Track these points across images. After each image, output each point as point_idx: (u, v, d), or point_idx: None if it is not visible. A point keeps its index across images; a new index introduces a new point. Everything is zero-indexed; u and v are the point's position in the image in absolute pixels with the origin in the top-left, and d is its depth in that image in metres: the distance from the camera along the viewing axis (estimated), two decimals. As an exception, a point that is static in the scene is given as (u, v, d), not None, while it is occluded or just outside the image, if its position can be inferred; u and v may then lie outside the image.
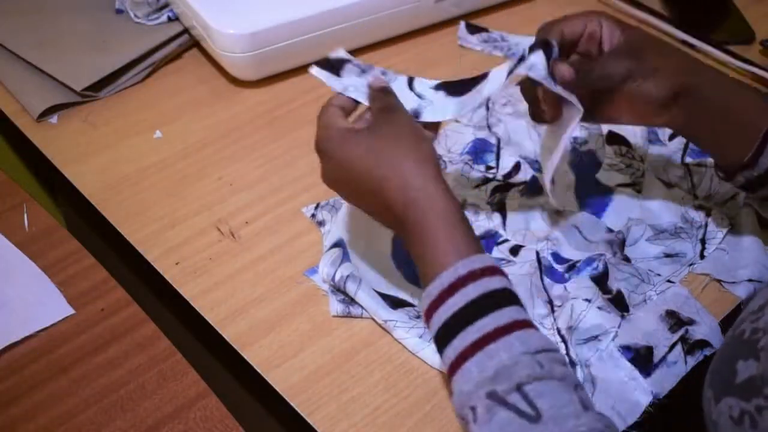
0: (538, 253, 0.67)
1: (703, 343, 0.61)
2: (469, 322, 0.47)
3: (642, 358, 0.59)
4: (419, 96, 0.61)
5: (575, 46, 0.62)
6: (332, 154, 0.55)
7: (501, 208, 0.70)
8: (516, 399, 0.44)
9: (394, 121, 0.56)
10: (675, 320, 0.62)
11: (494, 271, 0.49)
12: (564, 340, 0.60)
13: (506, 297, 0.49)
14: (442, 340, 0.49)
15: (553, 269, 0.66)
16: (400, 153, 0.53)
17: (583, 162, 0.76)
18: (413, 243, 0.52)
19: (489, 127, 0.78)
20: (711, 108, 0.60)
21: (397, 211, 0.52)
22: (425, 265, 0.51)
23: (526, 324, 0.48)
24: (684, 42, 0.93)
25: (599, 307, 0.61)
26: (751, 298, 0.65)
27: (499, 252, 0.67)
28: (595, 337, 0.60)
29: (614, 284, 0.64)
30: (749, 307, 0.50)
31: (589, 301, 0.62)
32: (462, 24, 0.91)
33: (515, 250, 0.67)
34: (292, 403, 0.57)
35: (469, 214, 0.70)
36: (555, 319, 0.62)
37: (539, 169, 0.74)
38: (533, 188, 0.72)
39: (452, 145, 0.76)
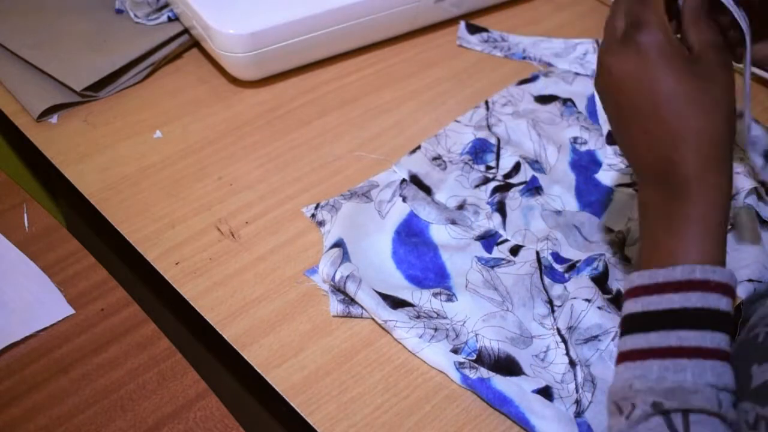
0: (538, 253, 0.67)
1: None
2: (677, 326, 0.45)
3: (642, 358, 0.59)
4: None
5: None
6: (646, 67, 0.47)
7: (501, 208, 0.70)
8: (678, 420, 0.43)
9: (722, 73, 0.47)
10: (675, 320, 0.62)
11: (726, 290, 0.45)
12: (564, 340, 0.60)
13: (721, 322, 0.45)
14: (637, 322, 0.46)
15: (553, 269, 0.66)
16: (721, 116, 0.46)
17: (583, 162, 0.76)
18: (671, 211, 0.47)
19: (489, 127, 0.78)
20: None
21: (682, 174, 0.46)
22: (667, 238, 0.47)
23: (725, 356, 0.45)
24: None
25: (599, 307, 0.61)
26: (757, 298, 0.65)
27: (499, 252, 0.67)
28: (595, 337, 0.60)
29: (614, 284, 0.64)
30: (761, 311, 0.50)
31: (589, 301, 0.62)
32: (462, 24, 0.92)
33: (515, 250, 0.67)
34: (292, 403, 0.57)
35: (469, 214, 0.70)
36: (555, 319, 0.62)
37: (539, 169, 0.74)
38: (533, 188, 0.72)
39: (452, 145, 0.76)
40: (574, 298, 0.62)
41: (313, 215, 0.69)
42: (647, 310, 0.46)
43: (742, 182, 0.71)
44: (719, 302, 0.45)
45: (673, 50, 0.47)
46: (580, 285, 0.63)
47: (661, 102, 0.46)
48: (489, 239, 0.68)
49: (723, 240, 0.47)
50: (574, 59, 0.88)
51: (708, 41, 0.48)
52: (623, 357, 0.46)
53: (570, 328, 0.61)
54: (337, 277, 0.62)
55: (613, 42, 0.48)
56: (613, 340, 0.60)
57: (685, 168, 0.46)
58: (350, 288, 0.61)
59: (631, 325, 0.47)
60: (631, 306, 0.47)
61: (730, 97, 0.47)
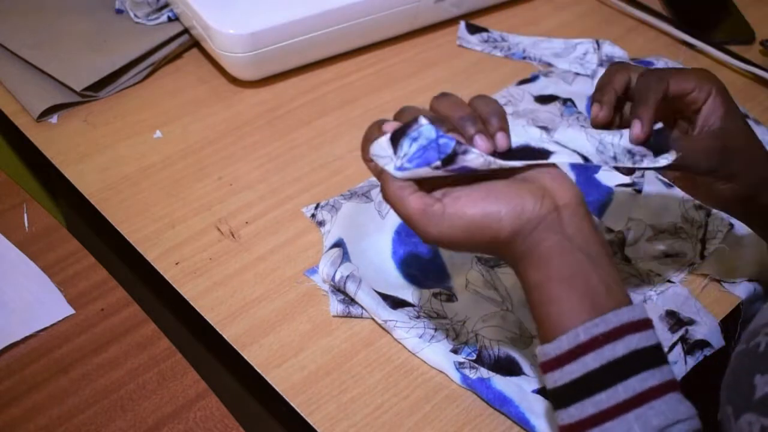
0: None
1: (703, 344, 0.61)
2: (585, 395, 0.43)
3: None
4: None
5: (673, 101, 0.56)
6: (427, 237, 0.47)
7: (501, 208, 0.70)
8: None
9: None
10: (675, 320, 0.62)
11: (621, 331, 0.44)
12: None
13: (637, 360, 0.43)
14: (555, 397, 0.45)
15: (553, 269, 0.66)
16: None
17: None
18: (529, 285, 0.46)
19: (489, 127, 0.78)
20: None
21: (515, 249, 0.46)
22: (546, 308, 0.45)
23: (665, 388, 0.43)
24: (684, 42, 0.93)
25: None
26: (757, 299, 0.65)
27: (499, 252, 0.67)
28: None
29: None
30: (760, 319, 0.50)
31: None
32: (462, 24, 0.92)
33: (515, 250, 0.67)
34: (292, 403, 0.57)
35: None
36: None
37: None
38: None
39: (452, 145, 0.76)
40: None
41: (313, 215, 0.69)
42: (557, 385, 0.44)
43: None
44: (616, 349, 0.43)
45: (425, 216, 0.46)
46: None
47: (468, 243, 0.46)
48: (489, 239, 0.68)
49: (588, 288, 0.45)
50: (574, 59, 0.88)
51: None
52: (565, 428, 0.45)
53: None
54: (337, 278, 0.62)
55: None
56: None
57: (514, 247, 0.46)
58: (350, 288, 0.61)
59: (554, 401, 0.45)
60: (548, 380, 0.45)
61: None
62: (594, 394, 0.43)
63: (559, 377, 0.44)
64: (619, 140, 0.51)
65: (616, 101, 0.55)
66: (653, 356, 0.44)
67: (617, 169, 0.56)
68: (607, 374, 0.43)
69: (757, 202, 0.56)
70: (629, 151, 0.51)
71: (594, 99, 0.56)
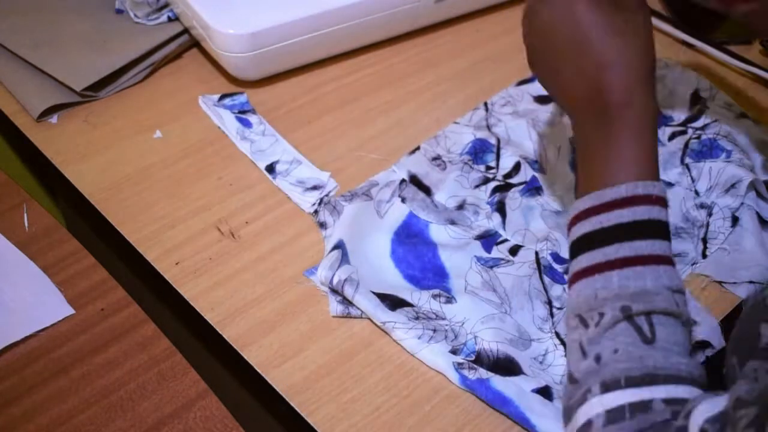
0: (537, 254, 0.67)
1: (703, 344, 0.61)
2: (629, 238, 0.49)
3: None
4: None
5: None
6: (572, 6, 0.52)
7: (501, 208, 0.70)
8: (642, 321, 0.47)
9: (641, 8, 0.53)
10: (675, 320, 0.62)
11: (664, 203, 0.50)
12: (563, 343, 0.60)
13: (664, 231, 0.50)
14: (590, 240, 0.50)
15: (553, 269, 0.66)
16: (641, 43, 0.51)
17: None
18: (606, 135, 0.51)
19: (489, 127, 0.78)
20: None
21: (610, 98, 0.51)
22: (605, 161, 0.51)
23: (671, 262, 0.50)
24: (684, 42, 0.93)
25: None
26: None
27: (499, 252, 0.67)
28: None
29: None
30: None
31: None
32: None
33: (515, 250, 0.67)
34: (292, 403, 0.57)
35: (468, 214, 0.70)
36: (554, 324, 0.62)
37: (539, 169, 0.74)
38: (533, 188, 0.72)
39: (452, 145, 0.76)
40: (574, 300, 0.62)
41: (316, 212, 0.69)
42: (598, 228, 0.49)
43: (743, 173, 0.71)
44: (660, 214, 0.50)
45: None
46: (580, 286, 0.63)
47: (586, 33, 0.51)
48: (489, 239, 0.68)
49: (655, 156, 0.51)
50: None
51: None
52: (579, 275, 0.50)
53: (570, 331, 0.61)
54: (335, 281, 0.62)
55: None
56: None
57: (612, 93, 0.50)
58: (348, 291, 0.61)
59: (583, 244, 0.50)
60: (581, 228, 0.51)
61: (648, 27, 0.52)
62: (636, 240, 0.49)
63: (607, 219, 0.49)
64: None
65: None
66: (669, 234, 0.50)
67: None
68: (651, 229, 0.49)
69: None
70: None
71: None
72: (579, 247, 0.51)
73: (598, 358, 0.48)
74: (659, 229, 0.49)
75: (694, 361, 0.48)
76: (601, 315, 0.48)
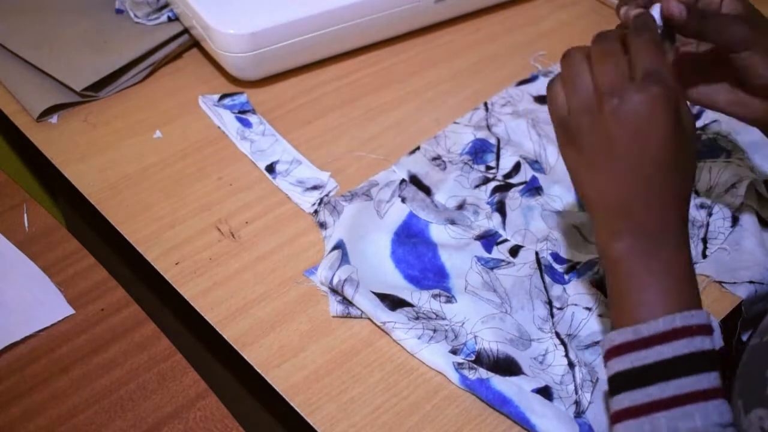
0: (537, 254, 0.67)
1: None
2: (673, 376, 0.46)
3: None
4: None
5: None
6: (654, 113, 0.47)
7: (501, 208, 0.70)
8: None
9: (681, 108, 0.48)
10: (675, 320, 0.62)
11: (708, 330, 0.47)
12: (563, 343, 0.60)
13: (708, 361, 0.46)
14: (629, 379, 0.47)
15: (553, 269, 0.66)
16: (692, 170, 0.50)
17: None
18: (650, 262, 0.48)
19: (489, 127, 0.78)
20: None
21: (668, 220, 0.48)
22: (643, 291, 0.48)
23: (721, 393, 0.46)
24: (684, 42, 0.93)
25: (600, 315, 0.62)
26: (758, 300, 0.65)
27: (499, 252, 0.67)
28: (597, 343, 0.61)
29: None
30: None
31: (589, 309, 0.62)
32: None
33: (514, 251, 0.67)
34: (292, 403, 0.57)
35: (468, 214, 0.70)
36: (554, 324, 0.62)
37: (539, 169, 0.74)
38: (533, 188, 0.72)
39: (452, 145, 0.76)
40: (575, 304, 0.62)
41: (316, 212, 0.69)
42: (638, 365, 0.46)
43: (743, 173, 0.71)
44: (703, 344, 0.46)
45: (675, 104, 0.47)
46: (581, 290, 0.63)
47: (659, 148, 0.47)
48: (489, 239, 0.68)
49: (694, 281, 0.49)
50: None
51: (651, 72, 0.48)
52: (622, 415, 0.47)
53: (569, 335, 0.61)
54: (335, 281, 0.62)
55: (626, 81, 0.48)
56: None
57: (670, 217, 0.48)
58: (348, 291, 0.61)
59: (622, 382, 0.47)
60: (618, 365, 0.47)
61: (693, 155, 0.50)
62: (680, 377, 0.45)
63: (645, 356, 0.46)
64: None
65: None
66: (717, 360, 0.47)
67: None
68: (694, 363, 0.46)
69: None
70: None
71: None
72: (618, 384, 0.48)
73: None
74: (703, 361, 0.46)
75: None
76: None
